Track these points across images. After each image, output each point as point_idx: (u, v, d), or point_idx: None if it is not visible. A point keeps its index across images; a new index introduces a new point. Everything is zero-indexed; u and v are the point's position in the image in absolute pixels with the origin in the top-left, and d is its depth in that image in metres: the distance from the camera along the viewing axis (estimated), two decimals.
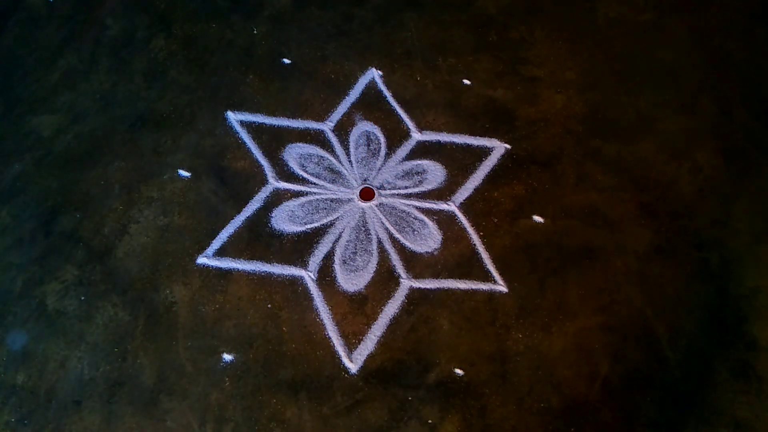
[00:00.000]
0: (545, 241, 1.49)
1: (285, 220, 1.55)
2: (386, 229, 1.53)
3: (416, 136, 1.67)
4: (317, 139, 1.67)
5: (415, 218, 1.54)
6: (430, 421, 1.27)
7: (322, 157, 1.65)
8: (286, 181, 1.61)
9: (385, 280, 1.45)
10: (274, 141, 1.67)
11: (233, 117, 1.71)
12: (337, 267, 1.47)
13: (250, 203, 1.57)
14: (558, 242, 1.48)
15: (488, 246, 1.49)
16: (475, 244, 1.49)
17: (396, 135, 1.67)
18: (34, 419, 1.30)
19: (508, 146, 1.63)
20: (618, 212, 1.53)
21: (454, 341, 1.36)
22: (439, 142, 1.66)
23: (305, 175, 1.62)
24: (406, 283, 1.44)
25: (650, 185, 1.57)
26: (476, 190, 1.56)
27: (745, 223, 1.51)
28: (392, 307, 1.41)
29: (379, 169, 1.62)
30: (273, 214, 1.55)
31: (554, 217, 1.52)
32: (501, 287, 1.43)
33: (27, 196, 1.60)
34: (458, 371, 1.32)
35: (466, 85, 1.74)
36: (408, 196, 1.58)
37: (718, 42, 1.81)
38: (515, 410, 1.27)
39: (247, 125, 1.70)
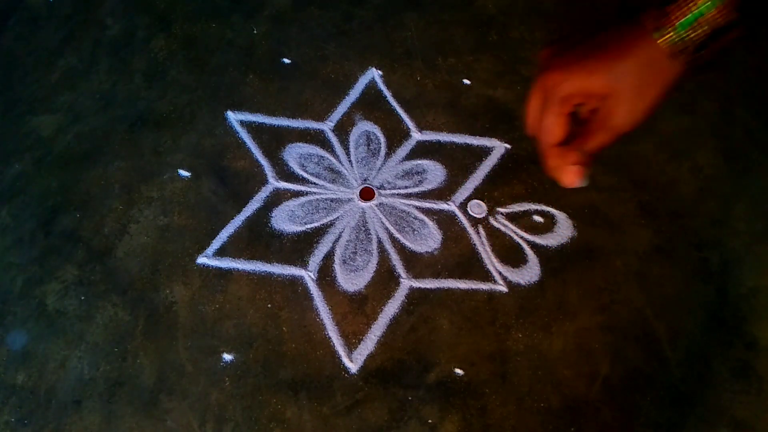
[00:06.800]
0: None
1: (285, 220, 1.54)
2: (386, 228, 1.52)
3: (416, 135, 1.67)
4: (317, 138, 1.67)
5: (415, 218, 1.54)
6: (430, 421, 1.27)
7: (322, 156, 1.65)
8: (286, 181, 1.61)
9: (385, 280, 1.44)
10: (274, 141, 1.66)
11: (233, 117, 1.71)
12: (337, 267, 1.47)
13: (250, 203, 1.57)
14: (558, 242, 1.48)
15: (488, 246, 1.49)
16: (475, 244, 1.49)
17: (396, 135, 1.67)
18: (34, 419, 1.29)
19: (508, 146, 1.63)
20: (618, 212, 1.53)
21: (454, 341, 1.36)
22: (439, 142, 1.66)
23: (305, 175, 1.62)
24: (406, 283, 1.44)
25: (650, 185, 1.56)
26: (476, 189, 1.56)
27: (745, 223, 1.51)
28: (392, 307, 1.41)
29: (379, 168, 1.62)
30: (273, 214, 1.55)
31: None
32: (501, 287, 1.43)
33: (27, 196, 1.60)
34: (458, 371, 1.32)
35: (466, 85, 1.74)
36: (408, 195, 1.58)
37: None
38: (515, 410, 1.27)
39: (247, 125, 1.70)
